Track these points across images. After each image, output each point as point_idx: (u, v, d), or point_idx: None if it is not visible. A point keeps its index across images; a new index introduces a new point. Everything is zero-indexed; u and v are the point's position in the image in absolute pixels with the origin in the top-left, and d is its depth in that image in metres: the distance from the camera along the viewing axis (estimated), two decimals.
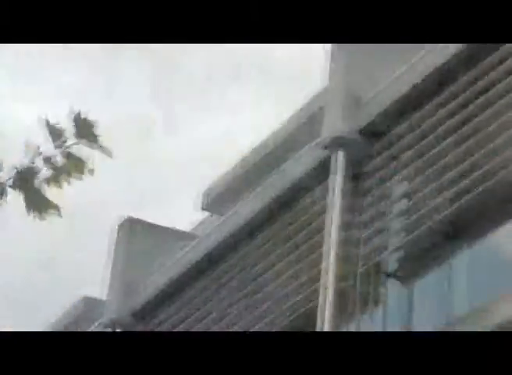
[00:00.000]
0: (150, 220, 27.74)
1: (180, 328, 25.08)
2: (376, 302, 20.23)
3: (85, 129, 6.00)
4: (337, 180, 20.81)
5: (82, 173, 5.85)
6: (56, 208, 5.93)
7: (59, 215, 5.96)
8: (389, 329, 20.12)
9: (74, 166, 5.86)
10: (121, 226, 27.34)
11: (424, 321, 19.15)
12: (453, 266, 19.11)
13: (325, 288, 20.45)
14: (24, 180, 5.85)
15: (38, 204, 5.88)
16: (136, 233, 27.32)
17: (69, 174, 5.83)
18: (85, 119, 6.12)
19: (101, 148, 5.93)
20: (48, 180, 5.92)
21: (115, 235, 27.44)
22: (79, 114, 6.05)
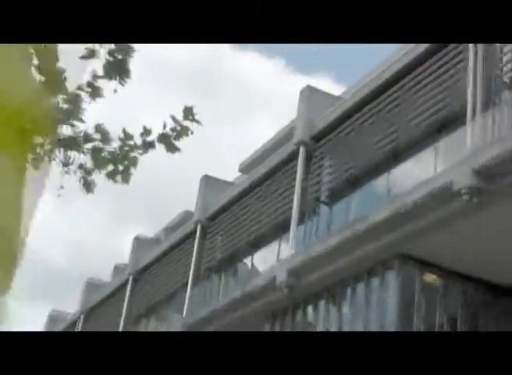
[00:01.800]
0: (215, 176, 28.13)
1: None
2: (316, 214, 20.65)
3: (188, 113, 5.65)
4: (300, 161, 21.08)
5: (187, 135, 5.61)
6: (178, 149, 5.64)
7: (179, 151, 5.72)
8: (321, 229, 20.28)
9: (185, 131, 5.59)
10: (202, 179, 27.79)
11: (337, 226, 19.32)
12: (353, 200, 19.51)
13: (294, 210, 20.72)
14: (165, 138, 5.59)
15: (171, 148, 5.63)
16: (209, 183, 27.10)
17: (181, 135, 5.59)
18: (188, 108, 5.70)
19: (196, 121, 5.65)
20: (174, 137, 5.59)
21: (200, 182, 27.90)
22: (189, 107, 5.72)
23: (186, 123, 5.63)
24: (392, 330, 15.63)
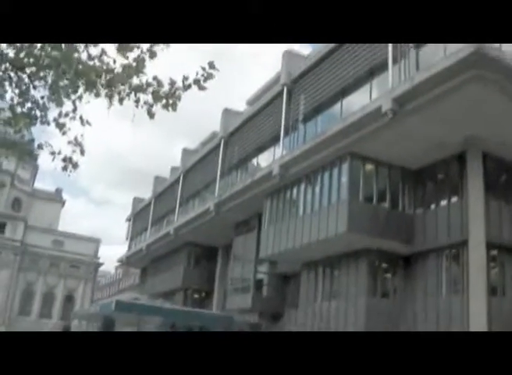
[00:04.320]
0: (231, 108, 26.88)
1: None
2: (296, 129, 19.48)
3: (211, 65, 5.05)
4: (284, 96, 20.09)
5: (212, 78, 5.06)
6: (206, 88, 5.11)
7: (206, 89, 5.15)
8: (299, 139, 19.09)
9: (210, 76, 5.04)
10: (223, 110, 26.68)
11: (309, 136, 18.44)
12: (319, 120, 18.56)
13: (282, 127, 19.77)
14: (197, 81, 5.14)
15: (202, 87, 5.14)
16: (228, 112, 26.30)
17: (208, 79, 5.06)
18: (211, 62, 5.11)
19: (217, 70, 5.08)
20: (203, 80, 5.07)
21: (222, 112, 26.79)
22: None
23: (211, 71, 5.31)
24: (346, 200, 15.69)
